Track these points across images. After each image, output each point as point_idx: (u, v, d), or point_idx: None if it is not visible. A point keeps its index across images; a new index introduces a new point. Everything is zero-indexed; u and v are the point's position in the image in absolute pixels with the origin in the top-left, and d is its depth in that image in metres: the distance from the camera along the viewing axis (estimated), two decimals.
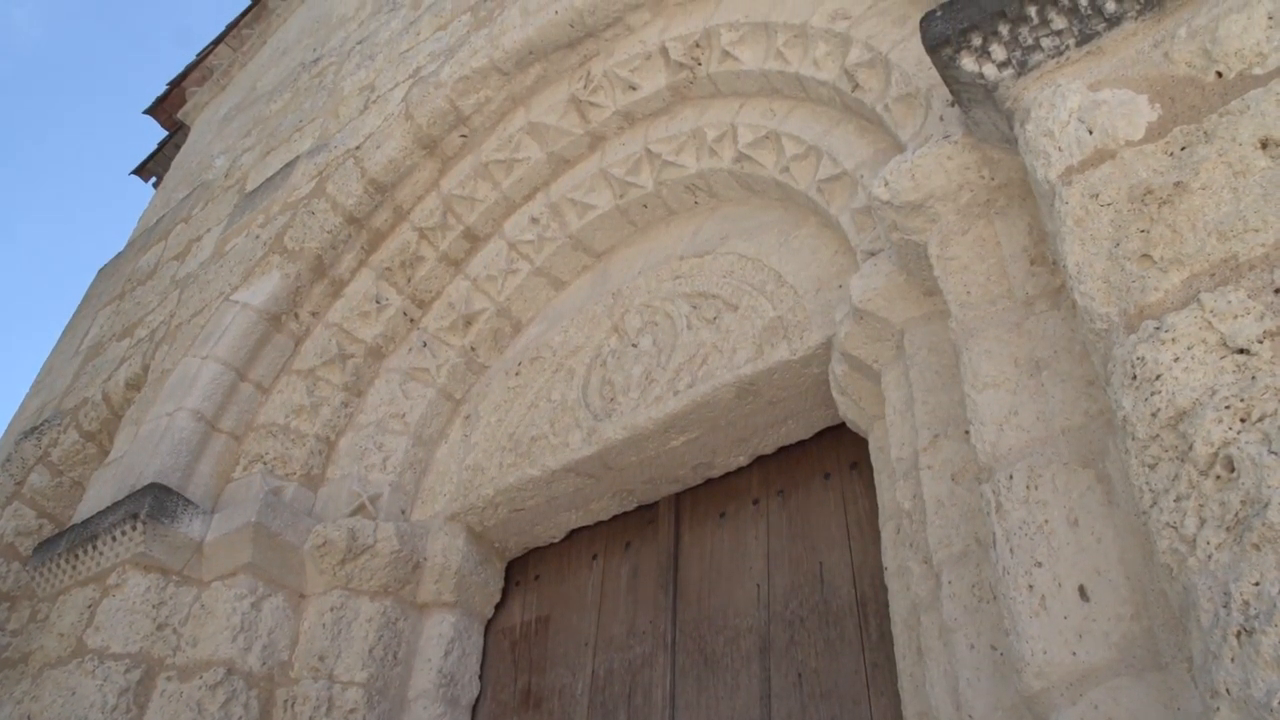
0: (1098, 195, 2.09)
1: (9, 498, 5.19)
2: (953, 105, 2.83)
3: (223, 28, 8.37)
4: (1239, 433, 1.65)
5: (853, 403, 3.20)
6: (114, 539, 3.92)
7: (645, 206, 4.52)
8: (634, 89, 4.40)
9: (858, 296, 2.99)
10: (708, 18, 4.13)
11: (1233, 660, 1.49)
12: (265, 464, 4.32)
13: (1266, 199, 1.88)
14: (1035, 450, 2.19)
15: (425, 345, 4.75)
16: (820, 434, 3.73)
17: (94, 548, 3.99)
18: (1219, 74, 2.10)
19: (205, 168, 6.84)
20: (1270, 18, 2.07)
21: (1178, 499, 1.69)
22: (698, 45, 4.17)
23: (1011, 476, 2.16)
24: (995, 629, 2.24)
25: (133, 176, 8.80)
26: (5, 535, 5.03)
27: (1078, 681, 1.88)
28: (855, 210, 3.43)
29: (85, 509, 4.35)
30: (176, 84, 8.44)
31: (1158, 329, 1.84)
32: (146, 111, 8.58)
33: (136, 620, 3.75)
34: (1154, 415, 1.77)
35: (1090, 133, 2.18)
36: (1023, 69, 2.40)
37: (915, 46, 3.17)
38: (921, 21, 2.56)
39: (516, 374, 4.54)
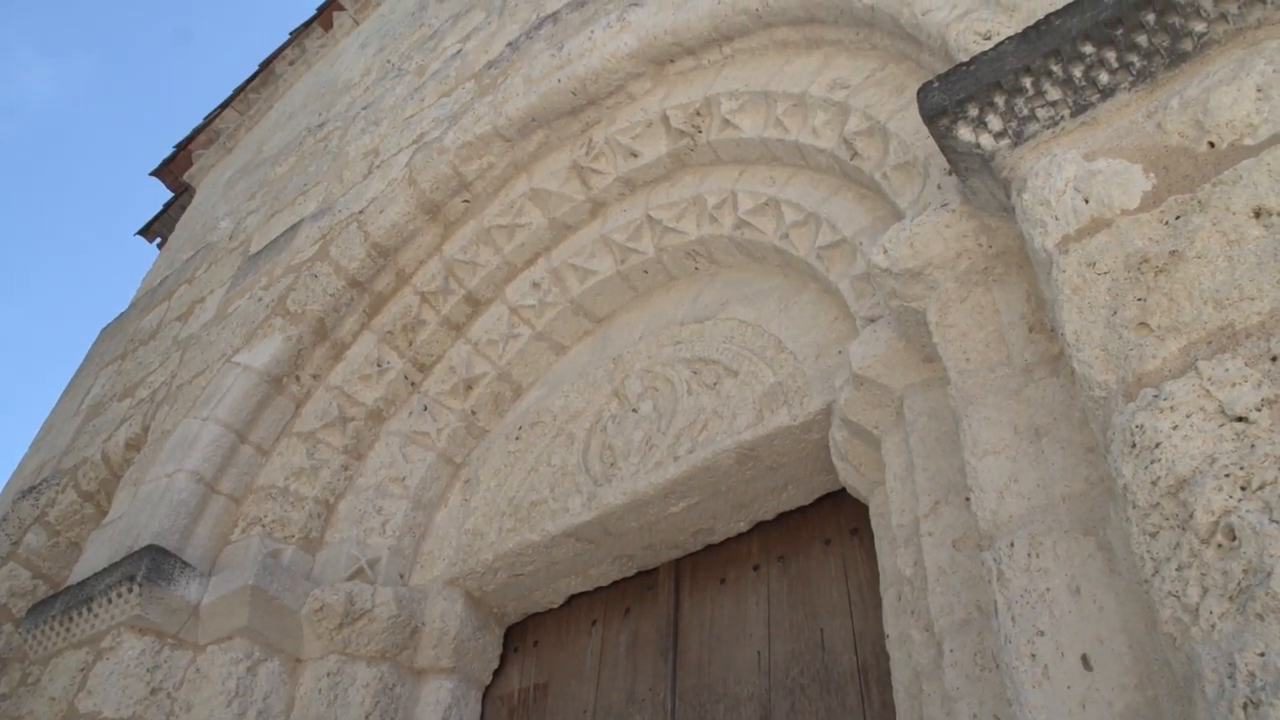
0: (1094, 264, 2.11)
1: (4, 558, 5.16)
2: (950, 174, 2.86)
3: (230, 92, 8.49)
4: (1239, 501, 1.65)
5: (853, 469, 3.19)
6: (110, 601, 3.89)
7: (646, 272, 4.55)
8: (635, 156, 4.46)
9: (857, 363, 3.01)
10: (708, 86, 4.20)
11: None
12: (264, 527, 4.30)
13: (1261, 267, 1.90)
14: (1036, 518, 2.18)
15: (426, 409, 4.75)
16: (821, 500, 3.72)
17: (89, 610, 3.96)
18: (1211, 144, 2.13)
19: (210, 230, 6.89)
20: (1259, 90, 2.11)
21: (1180, 568, 1.69)
22: (698, 113, 4.23)
23: (1013, 544, 2.16)
24: (998, 698, 2.22)
25: (138, 237, 8.87)
26: None
27: None
28: (854, 277, 3.46)
29: (81, 570, 4.33)
30: (183, 146, 8.54)
31: (1156, 397, 1.84)
32: (153, 173, 8.67)
33: (130, 684, 3.71)
34: (1154, 483, 1.77)
35: (1086, 202, 2.21)
36: (1019, 139, 2.44)
37: (913, 115, 3.21)
38: (919, 92, 2.61)
39: (517, 438, 4.54)
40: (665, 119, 4.33)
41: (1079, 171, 2.27)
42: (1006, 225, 2.64)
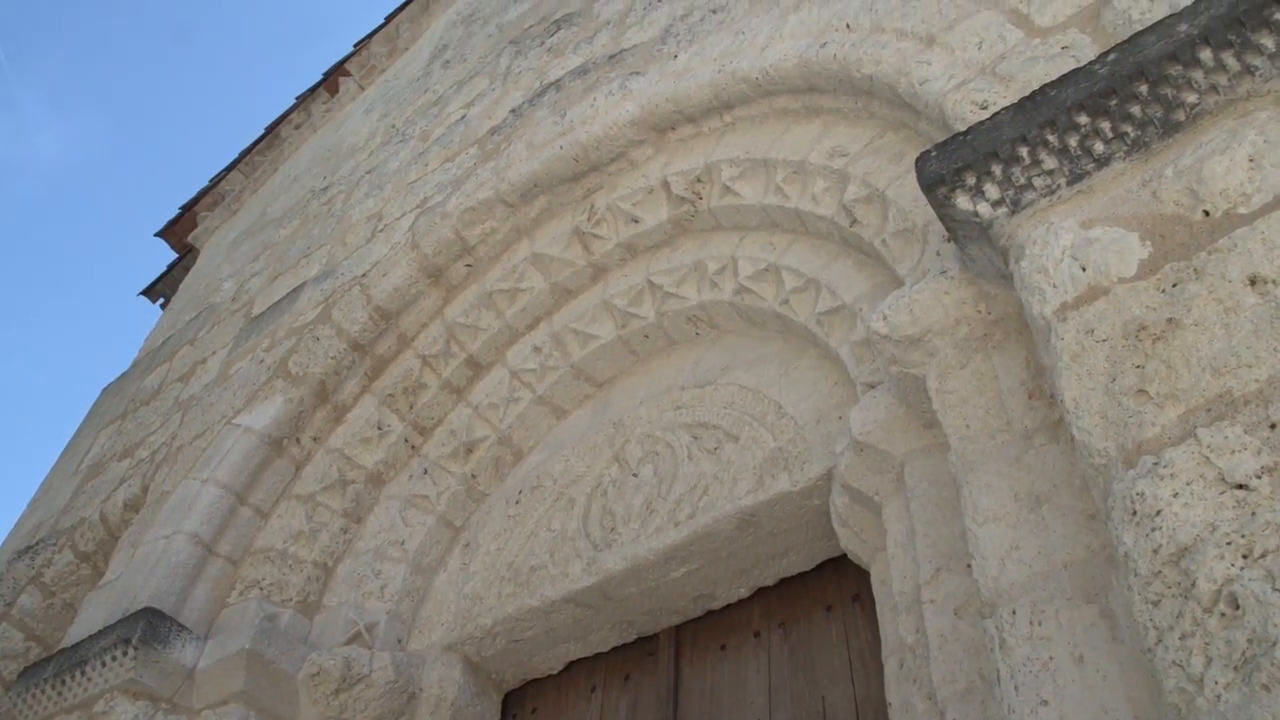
0: (1093, 331, 2.13)
1: None
2: (949, 241, 2.89)
3: (236, 155, 8.58)
4: (1242, 569, 1.65)
5: (854, 535, 3.19)
6: (104, 664, 3.85)
7: (647, 337, 4.57)
8: (636, 222, 4.50)
9: (858, 429, 3.01)
10: (709, 154, 4.25)
11: None
12: (262, 590, 4.28)
13: (1258, 335, 1.91)
14: (1038, 585, 2.18)
15: (426, 472, 4.74)
16: (822, 565, 3.70)
17: (82, 673, 3.92)
18: (1206, 213, 2.16)
19: (213, 291, 6.93)
20: (1251, 160, 2.15)
21: (1183, 637, 1.68)
22: (699, 180, 4.28)
23: (1015, 612, 2.15)
24: None
25: (141, 297, 8.90)
26: None
27: None
28: (855, 343, 3.47)
29: (76, 632, 4.29)
30: (188, 208, 8.61)
31: (1156, 464, 1.85)
32: (158, 234, 8.73)
33: None
34: (1155, 551, 1.77)
35: (1083, 270, 2.23)
36: (1016, 207, 2.47)
37: (911, 183, 3.25)
38: (916, 161, 2.64)
39: (517, 502, 4.53)
40: (666, 185, 4.37)
41: (1076, 239, 2.29)
42: (1005, 292, 2.66)
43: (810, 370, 3.83)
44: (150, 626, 3.86)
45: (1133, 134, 2.36)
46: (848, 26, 3.70)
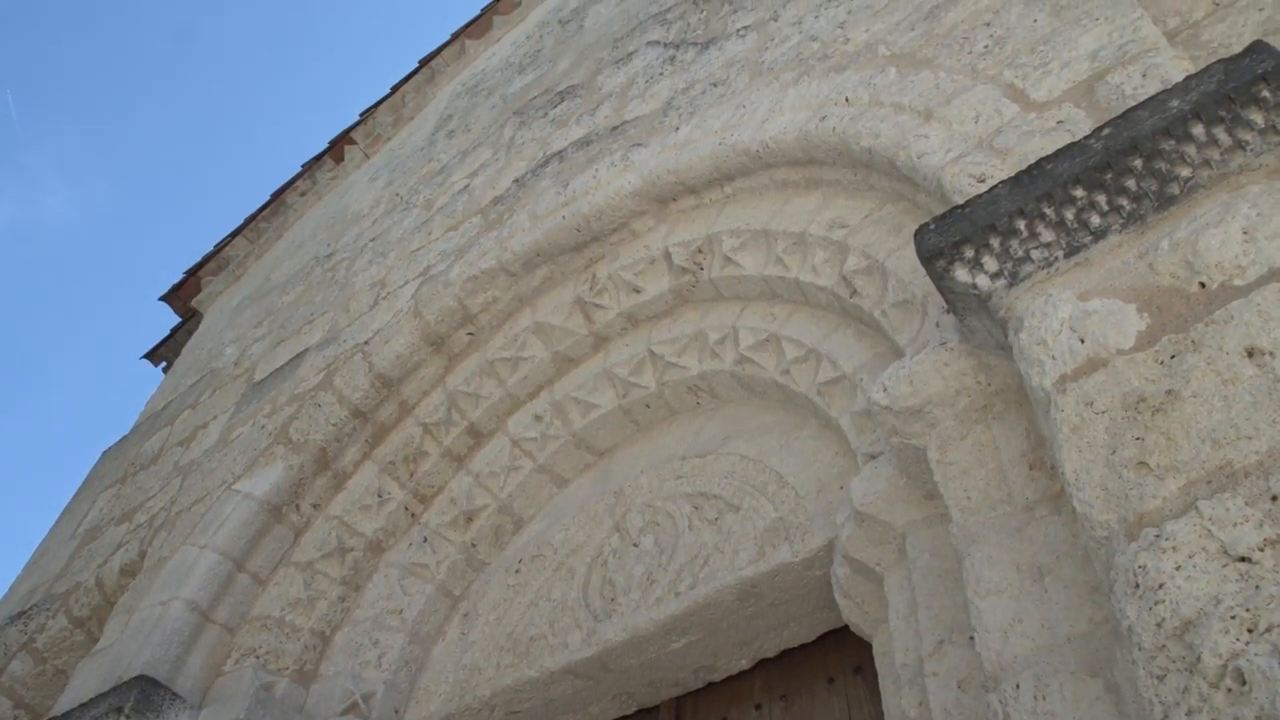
0: (1092, 403, 2.13)
1: None
2: (948, 312, 2.91)
3: (242, 220, 8.65)
4: (1247, 644, 1.64)
5: (856, 606, 3.16)
6: None
7: (648, 406, 4.57)
8: (638, 292, 4.53)
9: (859, 499, 3.01)
10: (710, 224, 4.29)
11: None
12: (258, 658, 4.23)
13: (1257, 407, 1.92)
14: (1041, 658, 2.16)
15: (426, 540, 4.72)
16: (823, 637, 3.67)
17: None
18: (1202, 285, 2.18)
19: (215, 356, 6.95)
20: (1245, 232, 2.17)
21: (1189, 713, 1.66)
22: (700, 251, 4.31)
23: (1018, 686, 2.13)
24: None
25: (143, 360, 8.92)
26: None
27: None
28: (855, 413, 3.48)
29: (67, 700, 4.24)
30: (193, 273, 8.66)
31: (1158, 537, 1.85)
32: (162, 298, 8.77)
33: None
34: (1159, 625, 1.76)
35: (1082, 341, 2.25)
36: (1014, 280, 2.49)
37: (910, 254, 3.27)
38: (915, 234, 2.67)
39: (517, 572, 4.50)
40: (668, 256, 4.41)
41: (1074, 311, 2.31)
42: (1005, 363, 2.67)
43: (811, 440, 3.83)
44: (143, 695, 3.81)
45: (1128, 207, 2.39)
46: (846, 100, 3.76)
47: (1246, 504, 1.80)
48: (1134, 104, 2.60)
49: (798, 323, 3.94)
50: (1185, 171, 2.34)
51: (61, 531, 6.26)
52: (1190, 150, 2.34)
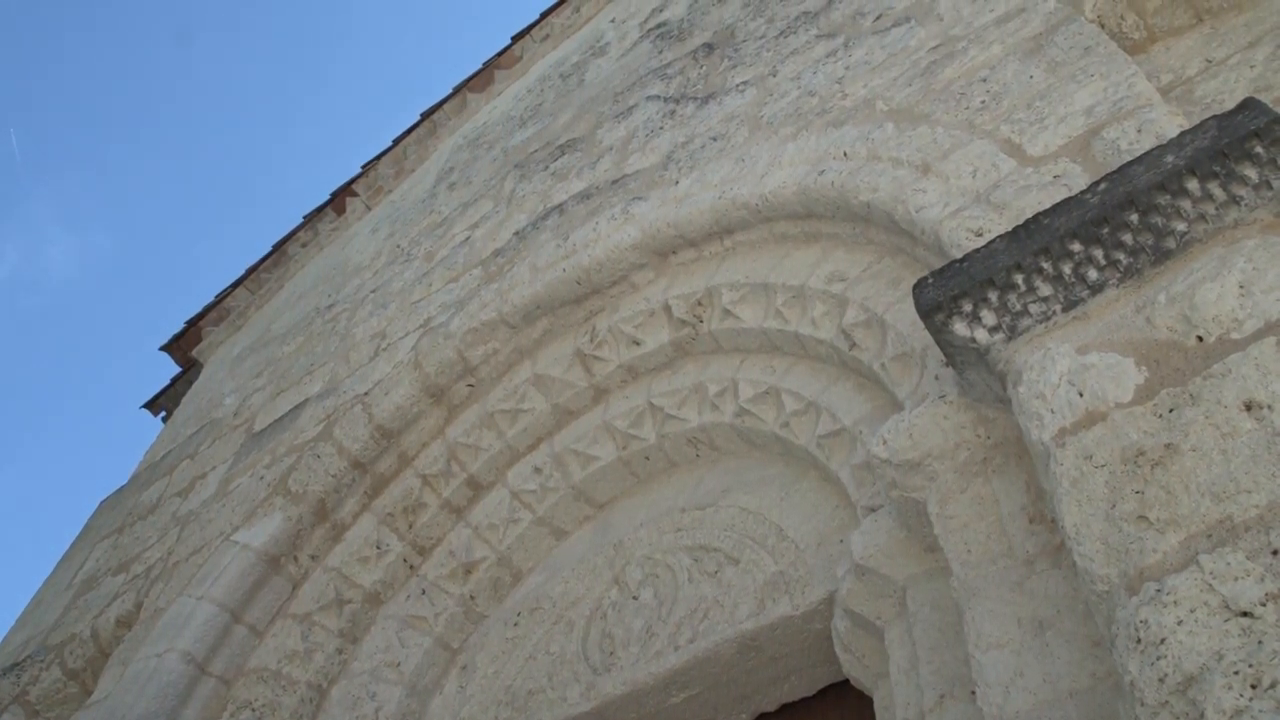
0: (1091, 457, 2.14)
1: None
2: (947, 366, 2.92)
3: (243, 271, 8.69)
4: (1251, 700, 1.63)
5: (856, 660, 3.14)
6: None
7: (647, 458, 4.57)
8: (638, 344, 4.54)
9: (859, 553, 3.00)
10: (709, 277, 4.31)
11: None
12: (254, 711, 4.20)
13: (1256, 460, 1.92)
14: (1044, 713, 2.15)
15: (424, 593, 4.69)
16: (824, 691, 3.64)
17: None
18: (1200, 338, 2.19)
19: (215, 406, 6.95)
20: (1241, 286, 2.19)
21: None
22: (700, 303, 4.33)
23: None
24: None
25: (143, 410, 8.91)
26: None
27: None
28: (855, 466, 3.48)
29: None
30: (194, 322, 8.67)
31: (1159, 591, 1.84)
32: (163, 348, 8.77)
33: None
34: (1161, 680, 1.75)
35: (1081, 395, 2.26)
36: (1013, 333, 2.50)
37: (909, 308, 3.28)
38: (914, 288, 2.69)
39: (515, 624, 4.47)
40: (667, 308, 4.42)
41: (1072, 365, 2.32)
42: (1004, 416, 2.68)
43: (811, 493, 3.83)
44: None
45: (1125, 261, 2.41)
46: (845, 155, 3.80)
47: (1247, 558, 1.80)
48: (1129, 159, 2.63)
49: (797, 375, 3.94)
50: (1181, 226, 2.36)
51: (58, 581, 6.23)
52: (1185, 205, 2.36)
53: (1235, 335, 2.14)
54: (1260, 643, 1.68)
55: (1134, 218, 2.40)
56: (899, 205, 3.39)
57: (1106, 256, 2.43)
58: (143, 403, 8.85)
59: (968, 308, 2.55)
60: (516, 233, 5.35)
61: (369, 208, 8.40)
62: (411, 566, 4.78)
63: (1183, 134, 2.45)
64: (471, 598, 4.70)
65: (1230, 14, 3.52)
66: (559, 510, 4.75)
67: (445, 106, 8.35)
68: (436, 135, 8.32)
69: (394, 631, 4.59)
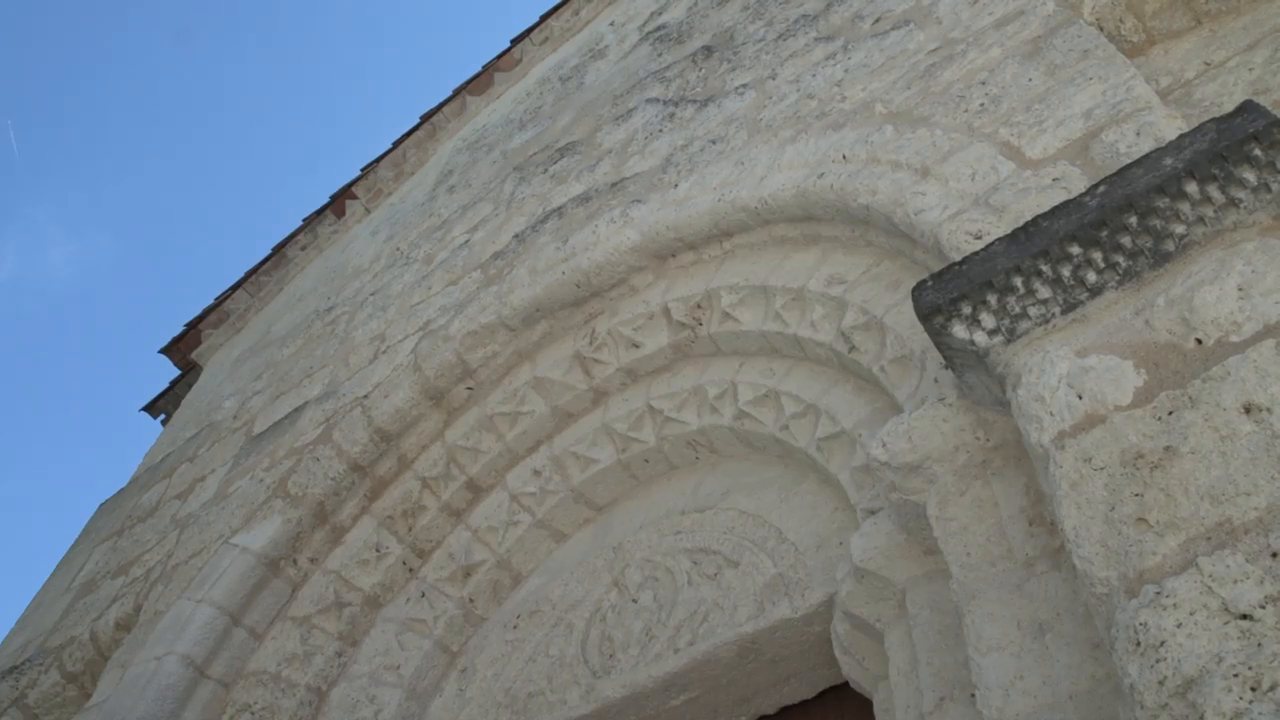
0: (1090, 459, 2.14)
1: None
2: (946, 368, 2.92)
3: (242, 274, 8.69)
4: (1250, 703, 1.63)
5: (856, 662, 3.14)
6: None
7: (647, 461, 4.57)
8: (637, 347, 4.54)
9: (858, 555, 3.00)
10: (708, 280, 4.31)
11: None
12: (253, 714, 4.19)
13: (1255, 463, 1.92)
14: (1043, 716, 2.15)
15: (424, 595, 4.69)
16: (824, 693, 3.65)
17: None
18: (1199, 341, 2.19)
19: (214, 408, 6.95)
20: (1240, 289, 2.19)
21: None
22: (699, 306, 4.33)
23: None
24: None
25: (142, 413, 8.91)
26: None
27: None
28: (854, 468, 3.48)
29: None
30: (193, 325, 8.67)
31: (1158, 594, 1.84)
32: (162, 350, 8.77)
33: None
34: (1161, 683, 1.75)
35: (1080, 398, 2.26)
36: (1012, 336, 2.50)
37: (908, 310, 3.29)
38: (913, 290, 2.69)
39: (515, 627, 4.47)
40: (667, 311, 4.43)
41: (1072, 368, 2.32)
42: (1003, 419, 2.68)
43: (810, 495, 3.83)
44: None
45: (1124, 264, 2.41)
46: (844, 157, 3.80)
47: (1247, 560, 1.80)
48: (1129, 161, 2.63)
49: (797, 378, 3.95)
50: (1180, 228, 2.36)
51: (56, 584, 6.22)
52: (1185, 207, 2.36)
53: (1234, 338, 2.15)
54: (1260, 645, 1.69)
55: (1133, 220, 2.40)
56: (898, 208, 3.39)
57: (1105, 259, 2.43)
58: (142, 405, 8.86)
59: (967, 310, 2.55)
60: (516, 235, 5.35)
61: (368, 210, 8.40)
62: (411, 569, 4.78)
63: (1181, 137, 2.45)
64: (471, 600, 4.70)
65: (1229, 17, 3.52)
66: (558, 513, 4.75)
67: (445, 109, 8.36)
68: (436, 138, 8.32)
69: (393, 634, 4.59)
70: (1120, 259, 2.42)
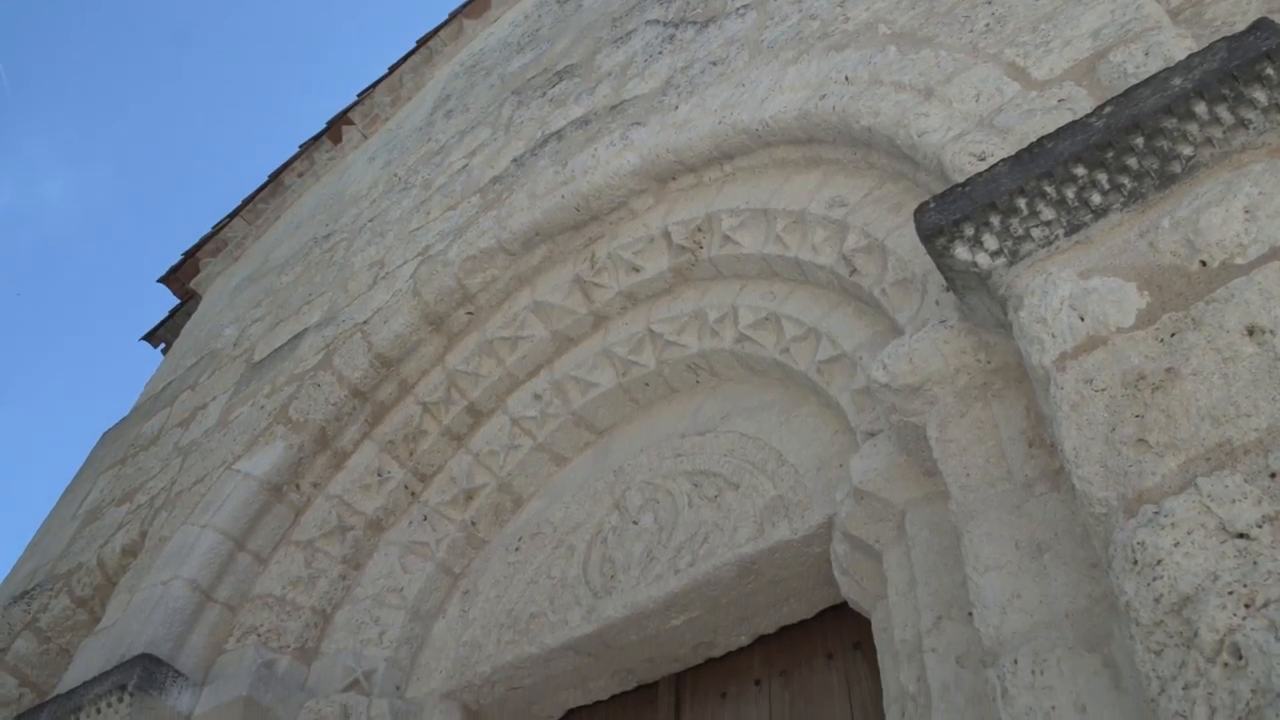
0: (1091, 381, 2.14)
1: None
2: (948, 291, 2.91)
3: (240, 202, 8.63)
4: (1244, 619, 1.65)
5: (855, 583, 3.18)
6: (99, 711, 3.82)
7: (647, 385, 4.58)
8: (637, 270, 4.53)
9: (858, 477, 3.02)
10: (709, 203, 4.29)
11: None
12: (259, 636, 4.25)
13: (1256, 384, 1.92)
14: (1040, 634, 2.17)
15: (426, 519, 4.73)
16: (822, 613, 3.69)
17: None
18: (1203, 263, 2.18)
19: (214, 336, 6.95)
20: (1246, 211, 2.17)
21: (1186, 687, 1.67)
22: (699, 229, 4.31)
23: (1016, 661, 2.14)
24: None
25: (142, 342, 8.92)
26: None
27: None
28: (855, 391, 3.49)
29: (71, 678, 4.26)
30: (191, 254, 8.65)
31: (1157, 514, 1.85)
32: (160, 280, 8.76)
33: None
34: (1157, 601, 1.77)
35: (1082, 320, 2.25)
36: (1014, 258, 2.49)
37: (910, 233, 3.27)
38: (915, 212, 2.67)
39: (517, 549, 4.51)
40: (667, 235, 4.41)
41: (1074, 290, 2.31)
42: (1004, 341, 2.67)
43: (811, 418, 3.84)
44: (146, 673, 3.83)
45: (1129, 186, 2.39)
46: (847, 79, 3.75)
47: (1245, 481, 1.81)
48: (1136, 82, 2.59)
49: (797, 301, 3.94)
50: (1187, 150, 2.34)
51: (62, 513, 6.28)
52: (1192, 129, 2.33)
53: (1239, 260, 2.13)
54: (1255, 563, 1.70)
55: (1139, 142, 2.38)
56: (901, 130, 3.35)
57: (1111, 181, 2.41)
58: (142, 335, 8.86)
59: (969, 232, 2.53)
60: (515, 160, 5.31)
61: (366, 137, 8.33)
62: (413, 493, 4.82)
63: (1191, 56, 2.41)
64: (473, 524, 4.75)
65: None
66: (559, 437, 4.77)
67: (442, 33, 8.24)
68: (433, 62, 8.21)
69: (396, 557, 4.64)
70: (1125, 181, 2.39)
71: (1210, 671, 1.65)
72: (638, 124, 4.60)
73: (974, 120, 3.11)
